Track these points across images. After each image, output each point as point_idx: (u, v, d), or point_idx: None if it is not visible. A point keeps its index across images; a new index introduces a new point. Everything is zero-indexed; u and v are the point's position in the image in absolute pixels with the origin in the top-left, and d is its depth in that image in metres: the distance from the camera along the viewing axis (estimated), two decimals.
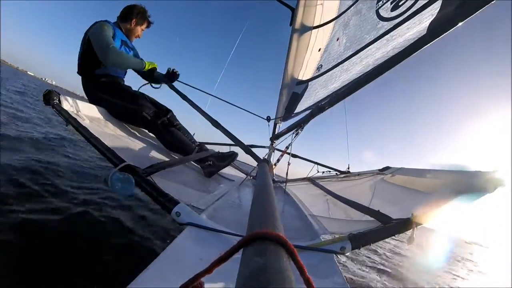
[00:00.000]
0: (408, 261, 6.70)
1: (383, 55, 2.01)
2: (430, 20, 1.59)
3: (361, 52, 2.39)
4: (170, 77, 2.82)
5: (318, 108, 2.53)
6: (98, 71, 2.39)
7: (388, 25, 2.07)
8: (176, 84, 2.82)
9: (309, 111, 2.93)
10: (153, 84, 2.80)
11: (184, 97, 2.70)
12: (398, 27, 1.94)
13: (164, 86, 2.80)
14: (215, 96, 3.33)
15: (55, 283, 1.51)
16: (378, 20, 2.24)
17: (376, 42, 2.18)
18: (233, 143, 2.47)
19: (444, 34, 1.44)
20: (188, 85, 2.84)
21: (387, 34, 2.06)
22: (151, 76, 2.70)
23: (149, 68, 2.59)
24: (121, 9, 2.64)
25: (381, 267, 4.87)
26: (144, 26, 2.72)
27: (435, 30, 1.48)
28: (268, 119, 3.92)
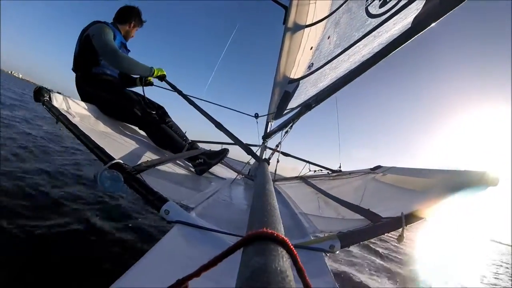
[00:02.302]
0: None
1: (369, 51, 2.00)
2: (414, 15, 1.60)
3: (349, 50, 2.39)
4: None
5: (305, 106, 2.54)
6: (95, 70, 2.40)
7: (375, 21, 2.05)
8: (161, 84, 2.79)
9: (298, 109, 2.93)
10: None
11: (184, 96, 2.71)
12: (385, 23, 1.93)
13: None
14: (199, 99, 3.29)
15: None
16: (367, 17, 2.23)
17: (364, 39, 2.17)
18: (226, 141, 2.47)
19: (428, 27, 1.45)
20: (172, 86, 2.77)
21: (374, 30, 2.05)
22: (144, 80, 2.67)
23: (158, 75, 2.59)
24: (118, 10, 2.64)
25: None
26: (138, 27, 2.76)
27: (419, 24, 1.48)
28: (256, 116, 3.88)
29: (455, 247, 12.90)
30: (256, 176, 1.31)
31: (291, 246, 0.29)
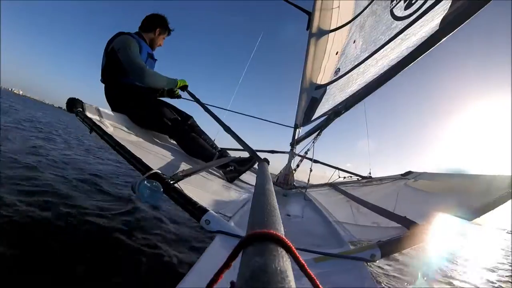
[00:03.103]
0: None
1: (397, 55, 1.97)
2: (442, 16, 1.56)
3: (377, 54, 2.36)
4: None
5: (334, 113, 2.51)
6: (124, 80, 2.45)
7: (401, 24, 2.02)
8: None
9: (326, 115, 2.91)
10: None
11: (198, 101, 2.78)
12: (411, 25, 1.90)
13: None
14: (231, 111, 3.35)
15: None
16: (392, 20, 2.19)
17: (391, 43, 2.14)
18: (257, 149, 2.45)
19: (456, 29, 1.40)
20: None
21: (401, 33, 2.01)
22: (171, 92, 2.74)
23: (181, 85, 2.68)
24: (143, 19, 2.69)
25: None
26: (165, 35, 2.78)
27: (447, 26, 1.44)
28: (296, 126, 3.89)
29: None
30: (256, 176, 1.31)
31: (291, 246, 0.29)
